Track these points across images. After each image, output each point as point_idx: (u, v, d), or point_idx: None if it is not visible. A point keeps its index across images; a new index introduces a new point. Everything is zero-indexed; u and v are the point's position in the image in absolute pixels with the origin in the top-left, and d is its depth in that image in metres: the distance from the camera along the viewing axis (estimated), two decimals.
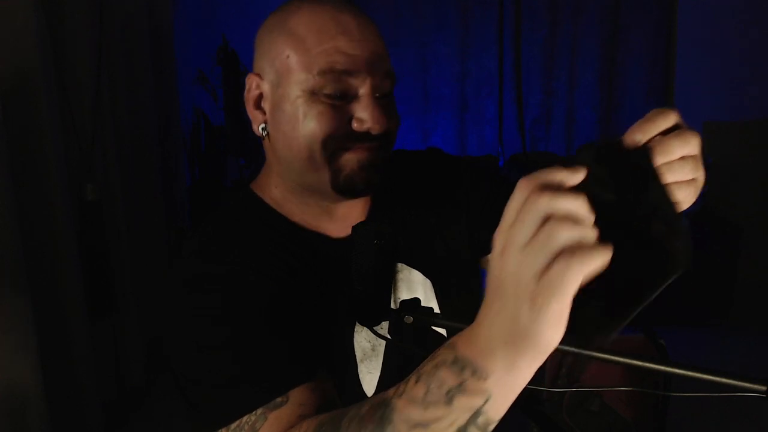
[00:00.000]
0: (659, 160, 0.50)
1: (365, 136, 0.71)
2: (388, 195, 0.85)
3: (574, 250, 0.40)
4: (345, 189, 0.73)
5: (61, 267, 1.92)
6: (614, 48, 3.92)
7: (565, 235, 0.40)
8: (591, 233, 0.41)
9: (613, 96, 3.96)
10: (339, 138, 0.70)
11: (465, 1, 3.94)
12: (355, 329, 0.77)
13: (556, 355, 1.36)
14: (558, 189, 0.42)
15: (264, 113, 0.75)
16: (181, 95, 3.22)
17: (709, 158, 3.24)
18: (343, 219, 0.79)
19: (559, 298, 0.41)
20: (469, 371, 0.47)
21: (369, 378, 0.79)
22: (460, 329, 0.50)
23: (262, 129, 0.75)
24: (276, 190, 0.79)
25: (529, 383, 0.48)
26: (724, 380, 0.46)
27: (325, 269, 0.76)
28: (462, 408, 0.48)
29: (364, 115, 0.70)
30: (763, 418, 2.19)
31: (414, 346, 0.79)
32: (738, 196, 3.48)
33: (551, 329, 0.42)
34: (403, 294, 0.81)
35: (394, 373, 0.79)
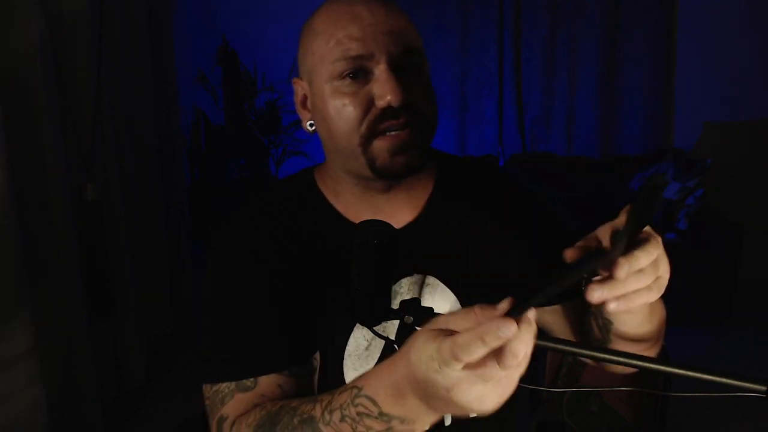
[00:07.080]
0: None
1: (391, 112, 0.71)
2: (447, 201, 0.83)
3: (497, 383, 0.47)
4: (384, 175, 0.74)
5: (61, 267, 1.92)
6: (614, 48, 3.91)
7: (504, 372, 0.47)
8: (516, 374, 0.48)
9: (613, 96, 3.96)
10: (368, 122, 0.71)
11: (465, 1, 3.94)
12: (356, 325, 0.78)
13: (556, 355, 1.36)
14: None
15: (309, 111, 0.79)
16: (181, 95, 3.22)
17: (708, 159, 3.24)
18: (389, 216, 0.77)
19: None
20: (396, 421, 0.55)
21: (353, 375, 0.78)
22: None
23: (310, 125, 0.80)
24: (330, 180, 0.83)
25: (529, 383, 0.49)
26: (724, 380, 0.46)
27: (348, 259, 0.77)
28: None
29: (380, 90, 0.70)
30: (763, 418, 2.19)
31: None
32: (738, 196, 3.48)
33: (463, 412, 0.50)
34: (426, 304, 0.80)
35: None
